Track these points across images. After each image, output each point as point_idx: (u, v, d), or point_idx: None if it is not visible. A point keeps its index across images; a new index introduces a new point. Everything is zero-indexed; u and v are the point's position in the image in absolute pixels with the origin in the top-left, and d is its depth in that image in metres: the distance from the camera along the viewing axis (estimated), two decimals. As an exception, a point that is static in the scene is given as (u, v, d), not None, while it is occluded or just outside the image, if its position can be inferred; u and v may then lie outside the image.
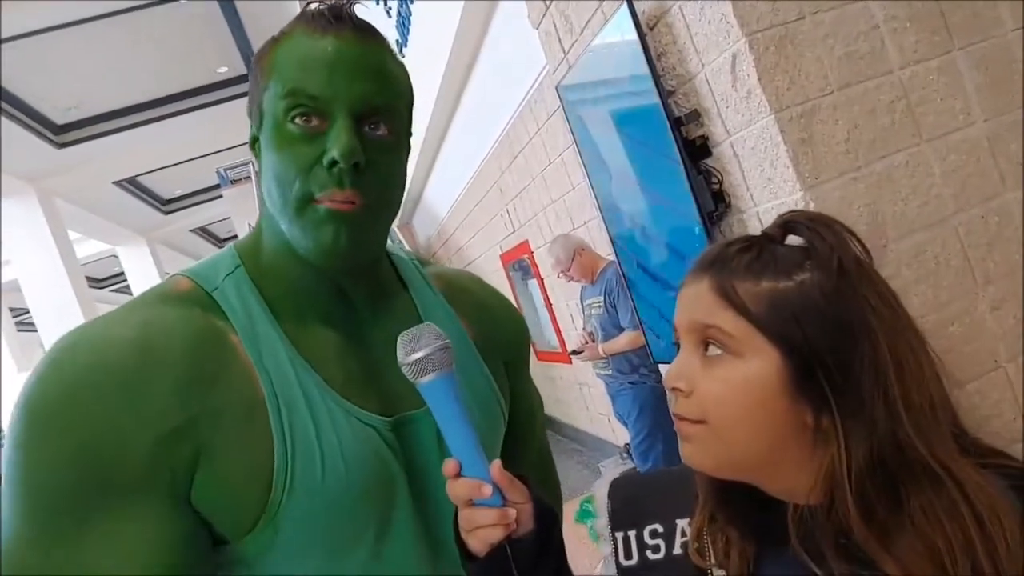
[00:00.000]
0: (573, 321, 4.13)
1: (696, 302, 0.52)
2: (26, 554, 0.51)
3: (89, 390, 0.52)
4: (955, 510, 0.45)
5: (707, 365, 0.51)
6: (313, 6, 0.60)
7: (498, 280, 5.54)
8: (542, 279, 4.58)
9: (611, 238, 1.72)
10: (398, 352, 0.58)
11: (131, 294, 11.16)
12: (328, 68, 0.57)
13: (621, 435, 3.62)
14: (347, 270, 0.64)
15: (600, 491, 0.64)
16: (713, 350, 0.51)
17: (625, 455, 3.62)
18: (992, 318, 1.12)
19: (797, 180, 1.06)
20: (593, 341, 3.00)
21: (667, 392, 0.54)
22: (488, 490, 0.55)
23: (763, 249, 0.52)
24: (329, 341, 0.65)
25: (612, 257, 1.95)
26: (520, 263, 4.98)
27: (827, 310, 0.48)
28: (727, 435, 0.50)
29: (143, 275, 10.69)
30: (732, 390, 0.49)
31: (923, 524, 0.45)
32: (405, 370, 0.58)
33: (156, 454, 0.53)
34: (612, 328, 2.87)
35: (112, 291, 14.30)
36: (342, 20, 0.59)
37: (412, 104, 0.65)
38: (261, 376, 0.59)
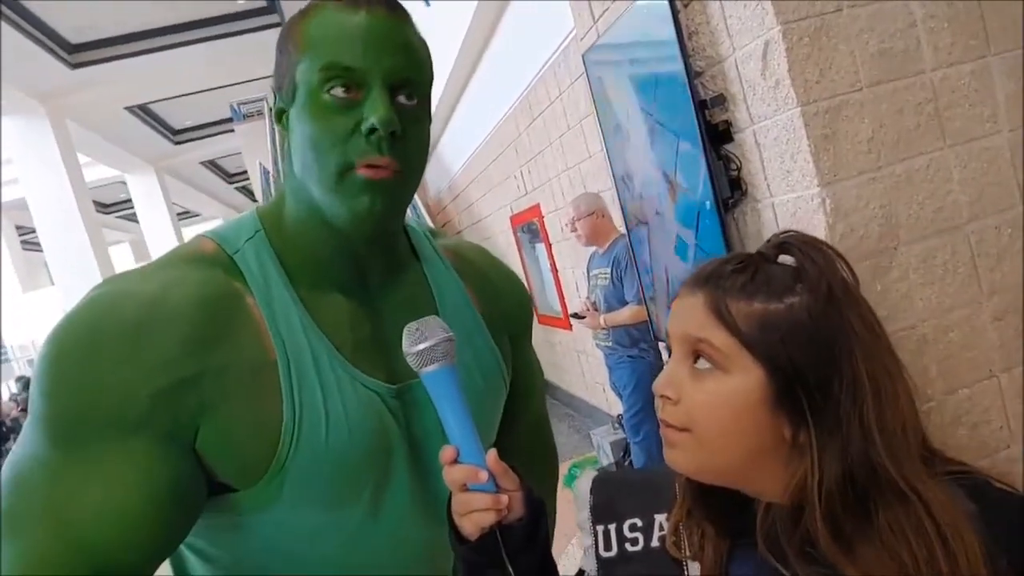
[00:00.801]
0: (577, 288, 4.15)
1: (690, 315, 0.55)
2: (24, 467, 0.56)
3: (100, 337, 0.57)
4: (921, 528, 0.48)
5: (695, 377, 0.54)
6: None
7: (506, 241, 5.54)
8: (550, 244, 4.59)
9: (623, 210, 1.72)
10: (404, 342, 0.61)
11: (137, 221, 11.19)
12: (362, 41, 0.59)
13: (615, 405, 3.67)
14: (374, 237, 0.67)
15: (583, 486, 0.68)
16: (702, 363, 0.54)
17: (617, 425, 3.69)
18: (993, 328, 1.13)
19: (816, 175, 1.06)
20: (596, 310, 3.02)
21: (655, 398, 0.57)
22: (484, 476, 0.58)
23: (757, 270, 0.54)
24: (342, 309, 0.68)
25: (624, 229, 1.95)
26: (529, 226, 4.97)
27: (813, 332, 0.51)
28: (710, 444, 0.53)
29: (150, 204, 10.69)
30: (717, 402, 0.52)
31: (891, 540, 0.48)
32: (409, 359, 0.61)
33: (156, 400, 0.57)
34: (616, 301, 2.89)
35: (118, 217, 14.29)
36: None
37: (433, 77, 0.68)
38: (274, 338, 0.63)
